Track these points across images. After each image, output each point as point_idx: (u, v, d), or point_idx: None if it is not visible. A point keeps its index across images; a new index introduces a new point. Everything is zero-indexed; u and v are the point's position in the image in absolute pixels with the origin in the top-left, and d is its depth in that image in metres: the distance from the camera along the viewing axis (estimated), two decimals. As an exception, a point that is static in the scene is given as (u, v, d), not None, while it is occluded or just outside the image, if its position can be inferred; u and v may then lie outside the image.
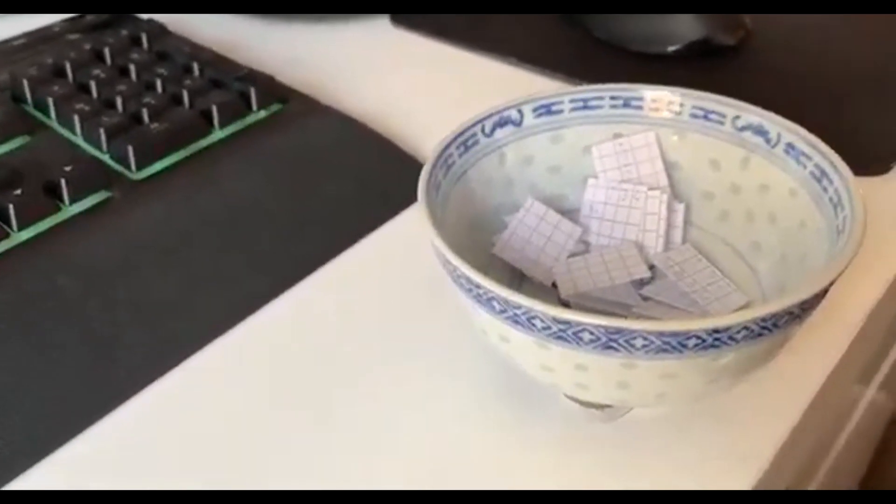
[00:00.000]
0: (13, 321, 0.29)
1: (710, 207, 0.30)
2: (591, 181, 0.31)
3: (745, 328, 0.22)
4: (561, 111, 0.30)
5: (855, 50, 0.46)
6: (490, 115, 0.30)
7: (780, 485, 0.29)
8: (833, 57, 0.45)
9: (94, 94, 0.39)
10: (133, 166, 0.35)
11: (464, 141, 0.29)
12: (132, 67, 0.41)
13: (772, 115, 0.29)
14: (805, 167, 0.27)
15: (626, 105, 0.31)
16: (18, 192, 0.32)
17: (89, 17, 0.46)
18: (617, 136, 0.31)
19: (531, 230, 0.30)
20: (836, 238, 0.25)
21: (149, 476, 0.26)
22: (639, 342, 0.22)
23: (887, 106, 0.41)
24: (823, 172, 0.27)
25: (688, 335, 0.21)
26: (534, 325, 0.22)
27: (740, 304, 0.28)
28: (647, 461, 0.26)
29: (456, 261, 0.23)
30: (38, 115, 0.39)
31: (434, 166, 0.27)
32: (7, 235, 0.32)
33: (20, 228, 0.32)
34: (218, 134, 0.37)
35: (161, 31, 0.45)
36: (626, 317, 0.27)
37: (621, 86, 0.31)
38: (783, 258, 0.28)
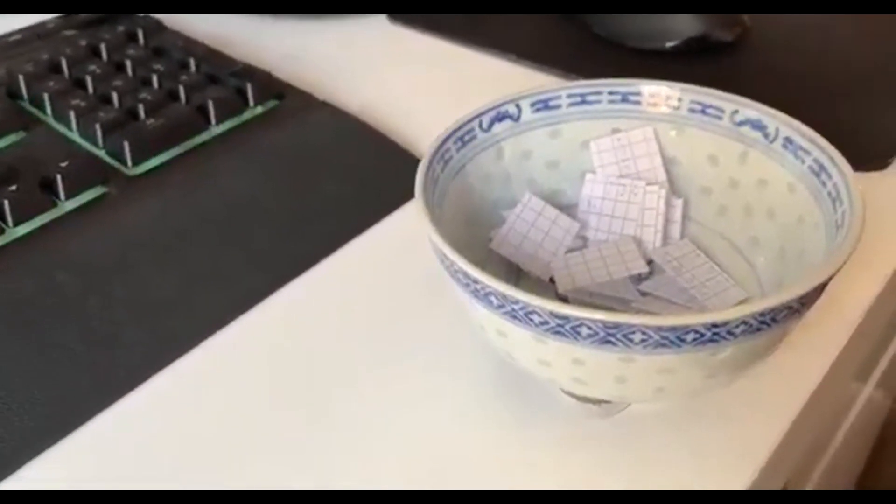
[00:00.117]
0: (9, 318, 0.29)
1: (709, 202, 0.30)
2: (589, 176, 0.31)
3: (744, 323, 0.22)
4: (559, 106, 0.30)
5: (853, 46, 0.46)
6: (488, 110, 0.29)
7: (778, 481, 0.29)
8: (832, 53, 0.45)
9: (90, 89, 0.39)
10: (129, 162, 0.35)
11: (461, 136, 0.29)
12: (128, 63, 0.40)
13: (770, 109, 0.29)
14: (804, 162, 0.27)
15: (624, 100, 0.30)
16: (14, 188, 0.32)
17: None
18: (615, 131, 0.31)
19: (529, 225, 0.30)
20: (835, 233, 0.25)
21: (145, 474, 0.26)
22: (637, 337, 0.21)
23: (886, 101, 0.41)
24: (822, 167, 0.27)
25: (686, 330, 0.21)
26: (531, 319, 0.22)
27: (739, 299, 0.28)
28: (645, 458, 0.26)
29: (453, 256, 0.23)
30: (34, 110, 0.39)
31: (431, 161, 0.27)
32: (2, 232, 0.32)
33: (16, 224, 0.32)
34: (214, 130, 0.37)
35: (157, 26, 0.45)
36: (624, 312, 0.27)
37: (619, 81, 0.30)
38: (782, 253, 0.28)
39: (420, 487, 0.25)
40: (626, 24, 0.45)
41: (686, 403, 0.27)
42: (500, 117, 0.30)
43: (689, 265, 0.29)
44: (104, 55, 0.42)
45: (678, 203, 0.31)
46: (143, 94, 0.38)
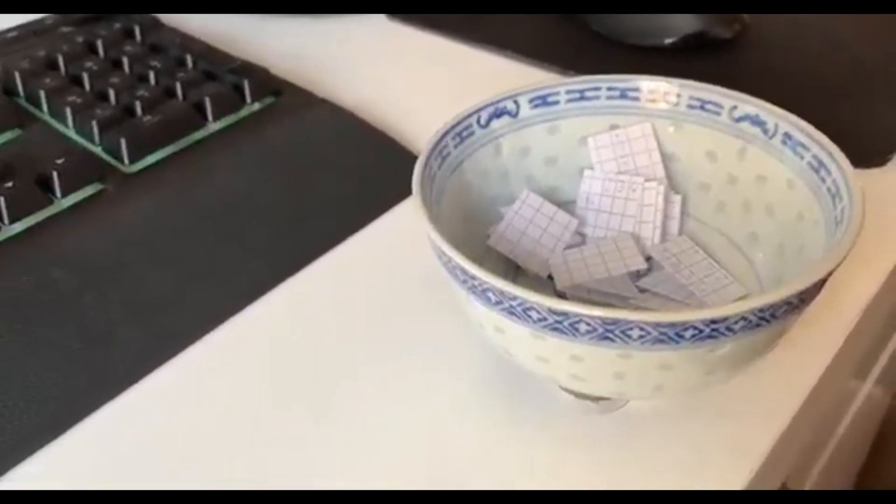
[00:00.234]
0: (5, 315, 0.29)
1: (707, 199, 0.30)
2: (587, 172, 0.31)
3: (743, 319, 0.22)
4: (557, 102, 0.30)
5: (852, 42, 0.46)
6: (486, 106, 0.29)
7: (776, 478, 0.29)
8: (830, 49, 0.45)
9: (87, 86, 0.39)
10: (126, 159, 0.35)
11: (459, 132, 0.29)
12: (125, 60, 0.40)
13: (769, 105, 0.29)
14: (803, 158, 0.27)
15: (622, 96, 0.30)
16: (10, 185, 0.32)
17: (82, 10, 0.46)
18: (613, 127, 0.31)
19: (527, 222, 0.30)
20: (834, 229, 0.25)
21: (143, 472, 0.26)
22: (635, 333, 0.21)
23: (885, 98, 0.41)
24: (821, 163, 0.27)
25: (685, 326, 0.21)
26: (529, 316, 0.22)
27: (738, 296, 0.28)
28: (643, 456, 0.26)
29: (451, 252, 0.23)
30: (30, 107, 0.38)
31: (429, 157, 0.27)
32: (-1, 229, 0.32)
33: (12, 221, 0.32)
34: (212, 127, 0.37)
35: (154, 23, 0.45)
36: (622, 308, 0.27)
37: (618, 77, 0.30)
38: (780, 249, 0.28)
39: (418, 485, 0.25)
40: (625, 21, 0.45)
41: (684, 400, 0.27)
42: (499, 113, 0.30)
43: (687, 261, 0.29)
44: (101, 52, 0.42)
45: (677, 199, 0.30)
46: (140, 91, 0.38)
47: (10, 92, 0.39)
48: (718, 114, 0.29)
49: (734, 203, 0.30)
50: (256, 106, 0.39)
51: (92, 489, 0.25)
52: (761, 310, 0.22)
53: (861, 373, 0.58)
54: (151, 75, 0.39)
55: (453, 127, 0.28)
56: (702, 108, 0.30)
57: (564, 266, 0.29)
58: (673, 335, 0.21)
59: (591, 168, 0.31)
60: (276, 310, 0.31)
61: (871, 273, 0.32)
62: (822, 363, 0.29)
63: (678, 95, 0.30)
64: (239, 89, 0.38)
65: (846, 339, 0.30)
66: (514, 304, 0.22)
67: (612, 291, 0.28)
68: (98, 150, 0.36)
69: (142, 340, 0.29)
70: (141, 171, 0.35)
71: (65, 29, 0.44)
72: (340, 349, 0.30)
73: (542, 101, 0.30)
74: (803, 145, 0.27)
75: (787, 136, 0.28)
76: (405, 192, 0.34)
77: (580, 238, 0.31)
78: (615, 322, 0.21)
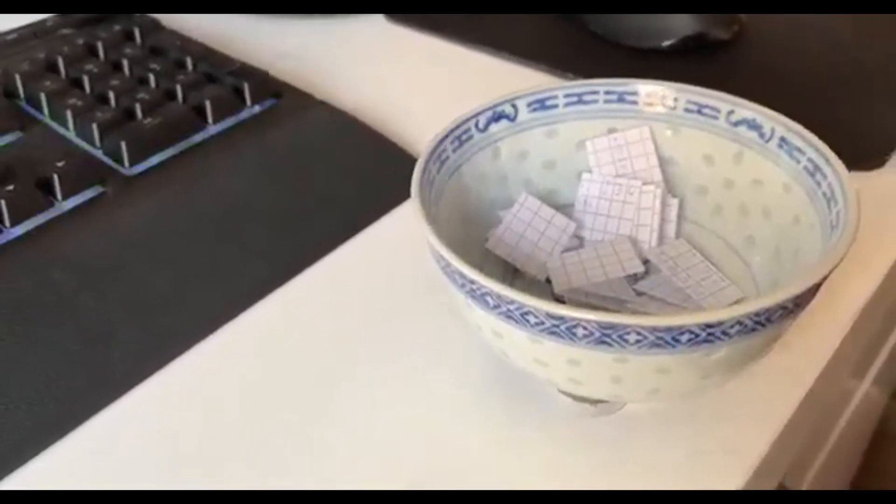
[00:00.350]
0: (6, 317, 0.29)
1: (704, 202, 0.30)
2: (585, 176, 0.31)
3: (739, 323, 0.22)
4: (555, 106, 0.30)
5: (850, 44, 0.46)
6: (484, 110, 0.30)
7: (772, 481, 0.29)
8: (828, 51, 0.45)
9: (87, 89, 0.39)
10: (126, 161, 0.35)
11: (458, 136, 0.29)
12: (125, 62, 0.41)
13: (766, 109, 0.29)
14: (799, 162, 0.27)
15: (620, 100, 0.31)
16: (11, 187, 0.32)
17: (82, 12, 0.46)
18: (611, 130, 0.31)
19: (525, 225, 0.30)
20: (830, 233, 0.25)
21: (143, 473, 0.26)
22: (632, 337, 0.22)
23: (881, 100, 0.41)
24: (817, 167, 0.27)
25: (681, 330, 0.21)
26: (527, 320, 0.22)
27: (735, 299, 0.28)
28: (640, 459, 0.26)
29: (450, 256, 0.23)
30: (31, 110, 0.39)
31: (428, 161, 0.27)
32: (0, 232, 0.32)
33: (13, 224, 0.32)
34: (212, 129, 0.37)
35: (154, 25, 0.45)
36: (619, 312, 0.27)
37: (616, 81, 0.31)
38: (777, 253, 0.28)
39: (415, 488, 0.25)
40: (623, 23, 0.45)
41: (681, 403, 0.27)
42: (497, 117, 0.30)
43: (684, 265, 0.29)
44: (101, 54, 0.42)
45: (674, 203, 0.31)
46: (141, 94, 0.38)
47: (11, 94, 0.39)
48: (716, 118, 0.30)
49: (731, 206, 0.30)
50: (256, 108, 0.39)
51: (92, 489, 0.26)
52: (757, 314, 0.22)
53: (858, 373, 0.59)
54: (152, 78, 0.39)
55: (452, 131, 0.29)
56: (699, 111, 0.30)
57: (562, 269, 0.29)
58: (669, 339, 0.22)
59: (589, 171, 0.31)
60: (275, 312, 0.31)
61: (868, 275, 0.32)
62: (818, 366, 0.29)
63: (676, 99, 0.30)
64: (239, 92, 0.39)
65: (842, 341, 0.30)
66: (512, 308, 0.22)
67: (610, 295, 0.29)
68: (98, 152, 0.36)
69: (142, 342, 0.30)
70: (141, 173, 0.35)
71: (65, 31, 0.44)
72: (339, 351, 0.30)
73: (541, 104, 0.30)
74: (799, 149, 0.27)
75: (783, 140, 0.28)
76: (404, 194, 0.34)
77: (578, 241, 0.31)
78: (612, 326, 0.21)
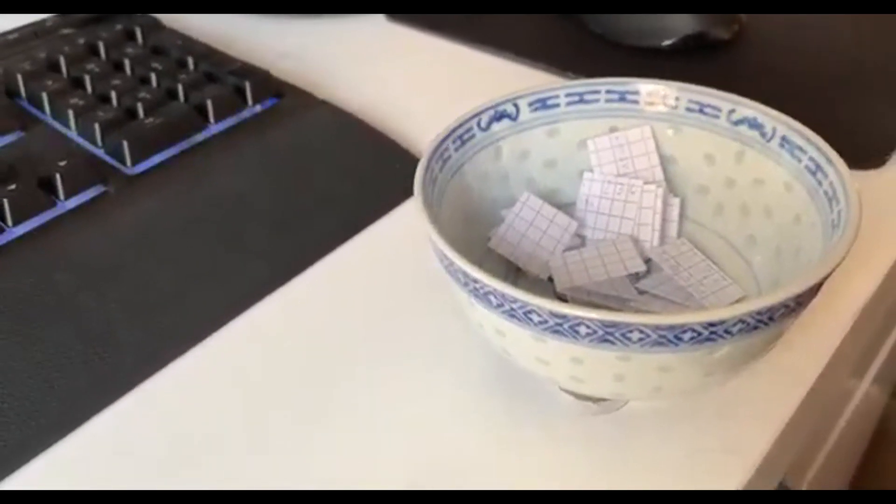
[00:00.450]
0: (7, 316, 0.29)
1: (706, 201, 0.31)
2: (587, 175, 0.31)
3: (741, 321, 0.22)
4: (557, 105, 0.31)
5: (850, 43, 0.46)
6: (486, 109, 0.30)
7: (774, 478, 0.29)
8: (828, 50, 0.45)
9: (89, 88, 0.39)
10: (128, 161, 0.35)
11: (460, 135, 0.29)
12: (126, 62, 0.41)
13: (767, 108, 0.29)
14: (800, 161, 0.28)
15: (621, 99, 0.31)
16: (13, 187, 0.32)
17: (83, 11, 0.46)
18: (613, 130, 0.31)
19: (527, 224, 0.30)
20: (831, 232, 0.25)
21: (142, 473, 0.26)
22: (635, 336, 0.22)
23: (882, 99, 0.41)
24: (818, 166, 0.27)
25: (683, 328, 0.21)
26: (530, 319, 0.22)
27: (736, 297, 0.28)
28: (642, 456, 0.26)
29: (452, 255, 0.23)
30: (33, 109, 0.39)
31: (430, 160, 0.27)
32: (1, 231, 0.32)
33: (15, 224, 0.32)
34: (213, 128, 0.37)
35: (155, 25, 0.45)
36: (622, 310, 0.27)
37: (617, 80, 0.31)
38: (778, 252, 0.28)
39: (417, 487, 0.25)
40: (623, 23, 0.46)
41: (683, 401, 0.27)
42: (499, 116, 0.30)
43: (686, 264, 0.29)
44: (102, 54, 0.42)
45: (675, 202, 0.31)
46: (142, 93, 0.38)
47: (13, 94, 0.39)
48: (717, 117, 0.30)
49: (732, 206, 0.30)
50: (258, 108, 0.39)
51: (93, 489, 0.26)
52: (759, 312, 0.22)
53: (858, 372, 0.59)
54: (153, 77, 0.39)
55: (454, 130, 0.29)
56: (700, 111, 0.30)
57: (564, 268, 0.29)
58: (672, 337, 0.22)
59: (591, 171, 0.31)
60: (277, 311, 0.31)
61: (868, 274, 0.32)
62: (820, 365, 0.29)
63: (677, 98, 0.30)
64: (240, 91, 0.39)
65: (843, 340, 0.30)
66: (514, 306, 0.22)
67: (612, 293, 0.29)
68: (100, 152, 0.36)
69: (143, 341, 0.30)
70: (143, 172, 0.35)
71: (66, 31, 0.44)
72: (341, 350, 0.30)
73: (542, 104, 0.30)
74: (801, 148, 0.28)
75: (784, 139, 0.28)
76: (406, 193, 0.35)
77: (580, 240, 0.31)
78: (615, 325, 0.21)
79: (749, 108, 0.29)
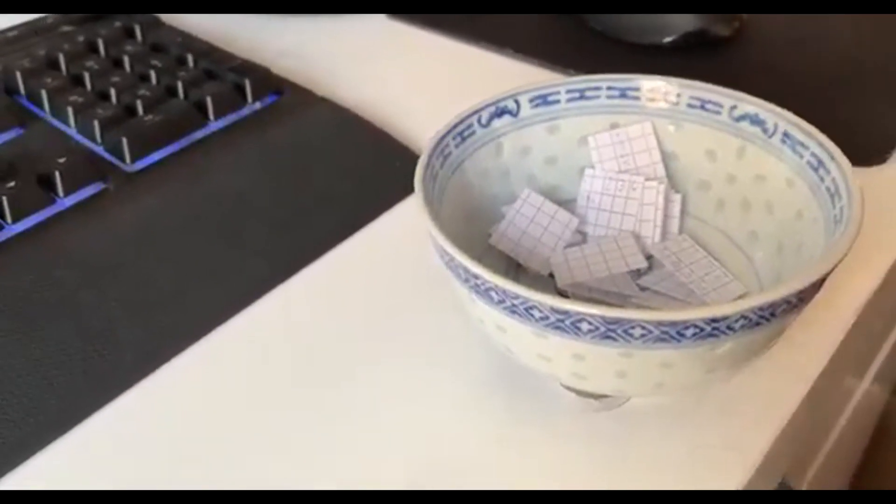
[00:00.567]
0: (7, 314, 0.29)
1: (707, 197, 0.30)
2: (588, 171, 0.31)
3: (743, 317, 0.22)
4: (557, 101, 0.30)
5: (851, 40, 0.46)
6: (486, 106, 0.30)
7: (775, 475, 0.29)
8: (829, 47, 0.45)
9: (88, 85, 0.39)
10: (127, 158, 0.35)
11: (460, 132, 0.29)
12: (126, 59, 0.40)
13: (769, 104, 0.29)
14: (802, 157, 0.27)
15: (622, 95, 0.31)
16: (12, 184, 0.32)
17: (82, 9, 0.46)
18: (614, 126, 0.31)
19: (528, 221, 0.30)
20: (833, 228, 0.25)
21: (143, 472, 0.26)
22: (637, 332, 0.22)
23: (884, 96, 0.41)
24: (821, 162, 0.27)
25: (686, 325, 0.21)
26: (532, 315, 0.22)
27: (737, 293, 0.28)
28: (644, 452, 0.26)
29: (453, 251, 0.23)
30: (32, 107, 0.38)
31: (431, 157, 0.27)
32: (1, 228, 0.32)
33: (14, 221, 0.32)
34: (212, 126, 0.37)
35: (154, 22, 0.45)
36: (623, 307, 0.27)
37: (618, 76, 0.30)
38: (780, 248, 0.28)
39: (418, 484, 0.25)
40: (624, 20, 0.45)
41: (685, 397, 0.27)
42: (499, 113, 0.30)
43: (687, 260, 0.29)
44: (102, 51, 0.42)
45: (677, 198, 0.31)
46: (142, 90, 0.38)
47: (12, 91, 0.39)
48: (718, 113, 0.29)
49: (734, 202, 0.30)
50: (258, 105, 0.39)
51: (92, 489, 0.26)
52: (761, 308, 0.22)
53: (859, 370, 0.59)
54: (152, 74, 0.39)
55: (455, 126, 0.29)
56: (702, 107, 0.30)
57: (565, 264, 0.29)
58: (674, 334, 0.22)
59: (592, 167, 0.31)
60: (276, 309, 0.31)
61: (870, 271, 0.32)
62: (821, 362, 0.29)
63: (678, 95, 0.30)
64: (240, 88, 0.39)
65: (844, 337, 0.30)
66: (516, 302, 0.22)
67: (613, 290, 0.29)
68: (100, 149, 0.36)
69: (143, 339, 0.30)
70: (142, 170, 0.35)
71: (65, 28, 0.44)
72: (341, 348, 0.30)
73: (543, 100, 0.30)
74: (802, 144, 0.27)
75: (786, 135, 0.28)
76: (406, 190, 0.34)
77: (581, 237, 0.31)
78: (617, 321, 0.21)
79: (751, 104, 0.29)
